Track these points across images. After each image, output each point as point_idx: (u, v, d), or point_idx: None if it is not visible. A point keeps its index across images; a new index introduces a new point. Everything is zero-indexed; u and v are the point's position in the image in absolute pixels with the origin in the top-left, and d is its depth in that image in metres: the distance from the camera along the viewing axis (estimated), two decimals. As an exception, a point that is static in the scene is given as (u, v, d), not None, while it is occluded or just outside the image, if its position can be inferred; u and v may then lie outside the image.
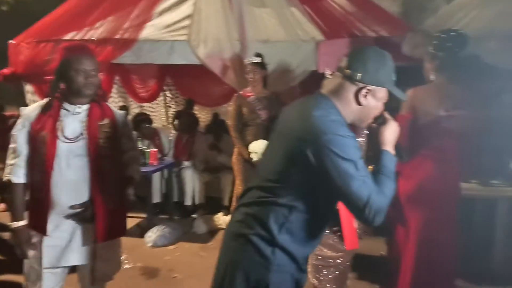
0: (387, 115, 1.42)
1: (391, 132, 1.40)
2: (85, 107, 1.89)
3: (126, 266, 3.46)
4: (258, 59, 3.34)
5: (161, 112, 7.09)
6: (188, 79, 6.17)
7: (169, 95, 6.92)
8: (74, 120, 1.86)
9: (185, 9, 3.96)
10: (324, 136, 1.23)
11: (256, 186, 1.42)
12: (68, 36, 3.74)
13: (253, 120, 3.39)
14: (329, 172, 1.24)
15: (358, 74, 1.32)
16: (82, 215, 1.85)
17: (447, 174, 2.51)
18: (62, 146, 1.81)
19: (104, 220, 1.86)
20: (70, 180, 1.82)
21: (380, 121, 1.41)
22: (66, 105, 1.87)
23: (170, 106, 7.07)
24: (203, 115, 6.91)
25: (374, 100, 1.36)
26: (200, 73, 4.91)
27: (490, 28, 2.91)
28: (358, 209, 1.24)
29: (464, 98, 2.49)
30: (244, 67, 3.48)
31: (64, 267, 1.93)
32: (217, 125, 5.23)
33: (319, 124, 1.25)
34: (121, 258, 2.23)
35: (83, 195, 1.85)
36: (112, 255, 2.02)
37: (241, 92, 3.48)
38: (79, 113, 1.88)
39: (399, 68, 3.62)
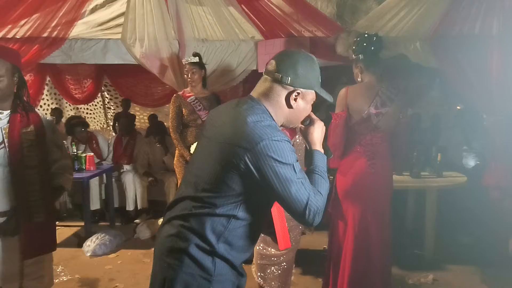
0: (313, 115, 1.45)
1: (319, 132, 1.44)
2: (7, 112, 1.74)
3: (63, 278, 3.27)
4: (195, 59, 3.29)
5: (99, 114, 6.78)
6: (128, 79, 5.95)
7: (107, 95, 6.63)
8: None
9: (119, 6, 3.80)
10: (261, 142, 1.22)
11: (188, 196, 1.35)
12: (-12, 34, 3.45)
13: (193, 121, 3.33)
14: (268, 178, 1.23)
15: (288, 77, 1.32)
16: (4, 228, 1.70)
17: (379, 169, 2.64)
18: None
19: (30, 234, 1.74)
20: None
21: (307, 122, 1.45)
22: None
23: (109, 108, 6.78)
24: (145, 116, 6.71)
25: (304, 103, 1.38)
26: (140, 73, 4.77)
27: (416, 29, 3.09)
28: (298, 212, 1.25)
29: (392, 95, 2.63)
30: (182, 66, 3.41)
31: None
32: (156, 127, 5.07)
33: (255, 130, 1.24)
34: (55, 271, 2.10)
35: (2, 208, 1.71)
36: (43, 271, 1.88)
37: (180, 93, 3.41)
38: (0, 119, 1.73)
39: (333, 68, 3.75)
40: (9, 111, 1.76)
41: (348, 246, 2.73)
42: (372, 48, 2.62)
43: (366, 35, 2.68)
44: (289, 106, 1.35)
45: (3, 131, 1.72)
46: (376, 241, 2.69)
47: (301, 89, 1.35)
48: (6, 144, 1.71)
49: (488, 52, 2.78)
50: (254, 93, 1.39)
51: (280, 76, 1.33)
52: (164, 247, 1.34)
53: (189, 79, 3.29)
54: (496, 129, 2.88)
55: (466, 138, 4.26)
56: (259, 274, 2.69)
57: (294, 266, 2.80)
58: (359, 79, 2.71)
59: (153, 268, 1.40)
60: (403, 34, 3.14)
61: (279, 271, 2.67)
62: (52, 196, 1.91)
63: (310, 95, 1.38)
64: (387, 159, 2.67)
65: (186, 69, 3.29)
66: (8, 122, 1.74)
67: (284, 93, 1.34)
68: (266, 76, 1.38)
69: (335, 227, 2.85)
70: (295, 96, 1.34)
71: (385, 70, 2.75)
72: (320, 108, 4.18)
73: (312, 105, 1.42)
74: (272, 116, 1.34)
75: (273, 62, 1.37)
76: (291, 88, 1.34)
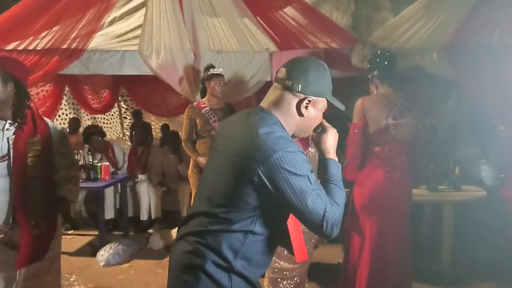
0: (325, 123, 1.42)
1: (332, 139, 1.40)
2: (10, 122, 1.75)
3: (77, 287, 3.29)
4: (221, 70, 3.31)
5: (116, 123, 6.87)
6: (144, 89, 6.01)
7: (123, 106, 6.72)
8: (2, 137, 1.72)
9: (137, 18, 3.88)
10: (274, 154, 1.19)
11: (202, 212, 1.32)
12: (10, 46, 3.55)
13: (207, 132, 3.35)
14: (282, 190, 1.20)
15: (299, 85, 1.30)
16: (4, 241, 1.69)
17: (398, 182, 2.59)
18: None
19: (29, 246, 1.71)
20: None
21: (319, 130, 1.42)
22: None
23: (125, 118, 6.86)
24: (159, 126, 6.77)
25: (315, 111, 1.35)
26: (156, 83, 4.81)
27: (432, 40, 3.06)
28: (316, 225, 1.22)
29: (410, 106, 2.59)
30: (197, 77, 3.44)
31: None
32: (170, 136, 5.08)
33: (267, 142, 1.21)
34: (68, 280, 2.07)
35: (2, 220, 1.70)
36: (41, 285, 1.83)
37: (195, 104, 3.43)
38: (8, 129, 1.74)
39: (348, 79, 3.73)
40: (13, 122, 1.75)
41: (364, 261, 2.67)
42: (386, 63, 2.61)
43: (378, 52, 2.69)
44: (300, 114, 1.32)
45: (10, 142, 1.72)
46: (394, 257, 2.63)
47: (312, 97, 1.32)
48: (11, 155, 1.70)
49: (506, 62, 2.73)
50: (265, 102, 1.36)
51: (291, 83, 1.30)
52: (180, 263, 1.31)
53: (218, 91, 3.29)
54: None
55: (484, 150, 4.17)
56: None
57: (307, 280, 2.75)
58: (374, 94, 2.69)
59: (168, 284, 1.37)
60: (419, 45, 3.11)
61: (292, 286, 2.62)
62: (58, 208, 1.90)
63: (322, 103, 1.35)
64: (406, 171, 2.62)
65: (212, 81, 3.28)
66: (14, 133, 1.74)
67: (295, 101, 1.31)
68: (277, 84, 1.35)
69: (352, 242, 2.80)
70: (306, 104, 1.31)
71: (401, 81, 2.73)
72: (338, 119, 4.16)
73: (324, 113, 1.38)
74: (283, 126, 1.31)
75: (283, 69, 1.34)
76: (302, 96, 1.31)
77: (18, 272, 1.74)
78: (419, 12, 3.08)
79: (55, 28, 3.56)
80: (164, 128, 5.71)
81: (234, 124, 1.37)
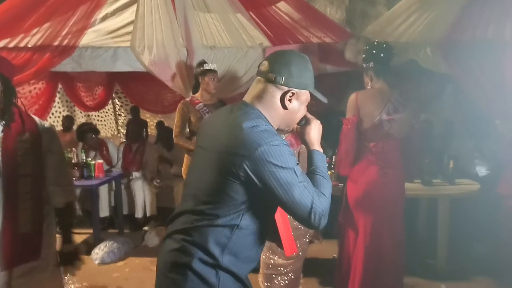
0: (308, 115, 1.42)
1: (315, 131, 1.41)
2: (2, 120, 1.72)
3: (71, 286, 3.27)
4: (214, 66, 3.28)
5: (110, 121, 6.83)
6: (138, 86, 5.97)
7: (118, 103, 6.67)
8: None
9: (129, 14, 3.85)
10: (258, 148, 1.19)
11: (188, 210, 1.31)
12: (1, 44, 3.50)
13: (201, 128, 3.32)
14: (269, 184, 1.20)
15: (282, 77, 1.29)
16: None
17: (391, 178, 2.58)
18: None
19: (13, 243, 1.68)
20: None
21: (303, 122, 1.42)
22: None
23: (119, 115, 6.82)
24: (155, 123, 6.74)
25: (298, 103, 1.35)
26: (150, 80, 4.78)
27: (426, 34, 3.04)
28: (304, 217, 1.23)
29: (405, 101, 2.58)
30: (190, 73, 3.41)
31: None
32: (165, 134, 5.04)
33: (252, 136, 1.20)
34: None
35: None
36: (35, 282, 1.80)
37: (187, 99, 3.40)
38: None
39: (342, 74, 3.70)
40: (1, 119, 1.72)
41: (358, 255, 2.67)
42: (382, 55, 2.58)
43: (375, 43, 2.65)
44: (284, 107, 1.32)
45: None
46: (388, 251, 2.63)
47: (296, 89, 1.31)
48: (0, 153, 1.68)
49: (501, 57, 2.72)
50: (248, 97, 1.35)
51: (274, 76, 1.29)
52: (167, 262, 1.31)
53: (212, 87, 3.26)
54: (511, 136, 2.81)
55: (479, 144, 4.17)
56: (265, 284, 2.64)
57: (302, 276, 2.75)
58: (368, 87, 2.66)
59: (156, 283, 1.37)
60: (413, 39, 3.10)
61: (286, 281, 2.62)
62: (64, 213, 1.90)
63: (305, 95, 1.35)
64: (399, 167, 2.61)
65: (207, 77, 3.25)
66: (3, 131, 1.71)
67: (278, 94, 1.31)
68: (259, 77, 1.34)
69: (346, 236, 2.80)
70: (290, 96, 1.31)
71: (396, 76, 2.71)
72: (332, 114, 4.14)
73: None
74: (267, 120, 1.30)
75: (265, 62, 1.33)
76: (286, 89, 1.30)
77: (6, 272, 1.71)
78: (413, 5, 3.07)
79: (46, 25, 3.52)
80: (159, 124, 5.67)
81: (218, 120, 1.37)
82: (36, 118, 1.85)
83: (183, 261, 1.26)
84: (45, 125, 1.86)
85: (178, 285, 1.26)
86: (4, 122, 1.73)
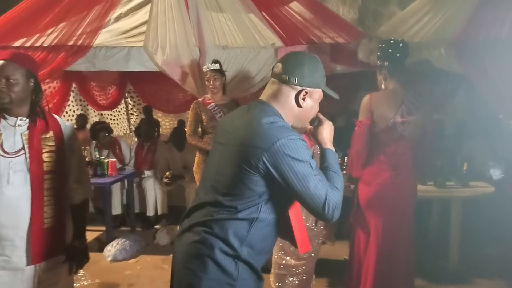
0: (321, 116, 1.50)
1: (328, 131, 1.49)
2: (26, 119, 1.76)
3: (84, 282, 3.32)
4: (217, 66, 3.30)
5: (123, 120, 6.90)
6: (150, 86, 6.04)
7: (130, 102, 6.74)
8: (15, 133, 1.73)
9: (143, 15, 3.88)
10: (277, 141, 1.26)
11: (208, 202, 1.37)
12: (17, 43, 3.57)
13: (212, 128, 3.33)
14: (286, 176, 1.26)
15: (295, 78, 1.37)
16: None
17: (404, 180, 2.56)
18: (1, 161, 1.68)
19: (39, 239, 1.73)
20: (10, 198, 1.68)
21: (316, 123, 1.50)
22: (6, 116, 1.74)
23: (132, 114, 6.89)
24: (166, 122, 6.79)
25: (311, 101, 1.42)
26: (162, 80, 4.82)
27: (440, 34, 3.01)
28: (318, 208, 1.28)
29: (418, 103, 2.55)
30: (203, 73, 3.43)
31: None
32: (180, 133, 5.07)
33: (270, 131, 1.28)
34: (76, 275, 2.08)
35: (24, 215, 1.71)
36: (56, 277, 1.85)
37: (200, 99, 3.42)
38: (20, 125, 1.76)
39: (355, 74, 3.68)
40: (27, 118, 1.76)
41: (370, 257, 2.65)
42: (398, 54, 2.54)
43: (392, 41, 2.59)
44: (299, 105, 1.40)
45: (23, 137, 1.74)
46: (399, 253, 2.61)
47: (309, 88, 1.39)
48: (27, 151, 1.72)
49: (516, 57, 2.68)
50: (264, 96, 1.43)
51: (288, 77, 1.37)
52: (187, 253, 1.36)
53: (210, 86, 3.29)
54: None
55: (493, 146, 4.11)
56: (277, 284, 2.65)
57: (314, 277, 2.75)
58: (382, 86, 2.63)
59: (174, 276, 1.42)
60: (426, 39, 3.07)
61: (298, 282, 2.62)
62: (79, 209, 1.93)
63: (317, 93, 1.43)
64: (411, 169, 2.59)
65: (207, 76, 3.29)
66: (28, 128, 1.75)
67: (292, 93, 1.39)
68: (274, 79, 1.42)
69: (357, 238, 2.78)
70: (303, 95, 1.39)
71: (409, 76, 2.68)
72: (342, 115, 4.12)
73: (320, 104, 1.46)
74: (282, 118, 1.37)
75: (279, 65, 1.41)
76: (299, 88, 1.38)
77: (36, 266, 1.76)
78: (427, 5, 3.04)
79: (61, 25, 3.58)
80: (179, 123, 5.66)
81: (236, 118, 1.45)
82: (58, 118, 1.89)
83: (205, 253, 1.32)
84: (67, 124, 1.91)
85: (198, 276, 1.31)
86: (28, 120, 1.77)
